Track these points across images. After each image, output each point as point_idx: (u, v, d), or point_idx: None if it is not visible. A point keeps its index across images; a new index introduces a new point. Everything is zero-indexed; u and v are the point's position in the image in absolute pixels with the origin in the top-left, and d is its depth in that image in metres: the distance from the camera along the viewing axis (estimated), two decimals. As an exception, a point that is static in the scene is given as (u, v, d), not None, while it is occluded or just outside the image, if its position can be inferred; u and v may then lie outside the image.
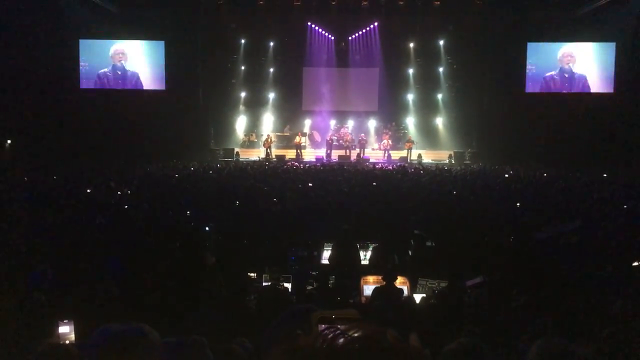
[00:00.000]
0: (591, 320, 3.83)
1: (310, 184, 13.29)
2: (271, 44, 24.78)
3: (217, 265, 6.27)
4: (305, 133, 24.69)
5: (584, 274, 5.57)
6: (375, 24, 24.36)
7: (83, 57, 24.07)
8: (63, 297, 4.05)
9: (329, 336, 1.05)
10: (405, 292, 5.67)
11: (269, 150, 22.85)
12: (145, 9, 22.36)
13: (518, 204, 10.55)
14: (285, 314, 1.61)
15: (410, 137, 23.66)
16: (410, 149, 22.82)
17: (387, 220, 8.74)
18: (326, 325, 1.16)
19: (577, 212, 9.39)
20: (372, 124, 25.07)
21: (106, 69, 24.20)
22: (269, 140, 22.99)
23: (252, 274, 6.15)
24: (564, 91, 23.64)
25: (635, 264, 5.74)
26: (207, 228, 8.16)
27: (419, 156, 22.64)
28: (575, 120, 21.92)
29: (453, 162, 22.35)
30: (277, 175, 15.54)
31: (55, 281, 4.58)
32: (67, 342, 2.75)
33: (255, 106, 24.96)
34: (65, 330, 2.80)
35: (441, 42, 24.41)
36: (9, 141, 22.65)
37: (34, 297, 3.57)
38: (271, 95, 25.02)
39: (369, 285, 5.81)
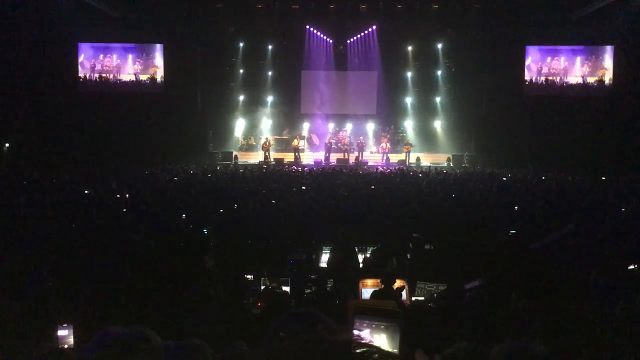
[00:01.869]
0: (589, 323, 3.84)
1: (309, 188, 13.29)
2: (270, 47, 24.83)
3: (216, 268, 6.26)
4: (304, 136, 24.74)
5: (582, 276, 5.58)
6: (374, 27, 24.43)
7: (82, 60, 24.10)
8: (62, 300, 4.05)
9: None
10: (404, 296, 5.67)
11: (267, 154, 22.86)
12: (143, 12, 22.39)
13: (516, 207, 10.56)
14: (284, 317, 1.62)
15: (408, 140, 23.70)
16: (408, 152, 22.85)
17: (386, 224, 8.74)
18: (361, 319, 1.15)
19: (575, 215, 9.40)
20: (370, 127, 25.13)
21: (104, 74, 24.22)
22: (268, 143, 23.01)
23: (249, 277, 6.14)
24: (562, 94, 23.70)
25: (631, 267, 5.75)
26: (205, 231, 8.16)
27: (418, 159, 22.67)
28: (573, 123, 21.97)
29: (451, 165, 22.39)
30: (275, 179, 15.54)
31: (54, 284, 4.57)
32: (66, 345, 2.75)
33: (253, 109, 25.00)
34: (64, 333, 2.80)
35: (439, 46, 24.50)
36: (7, 144, 22.64)
37: (33, 300, 3.56)
38: (270, 99, 25.07)
39: (368, 289, 5.80)
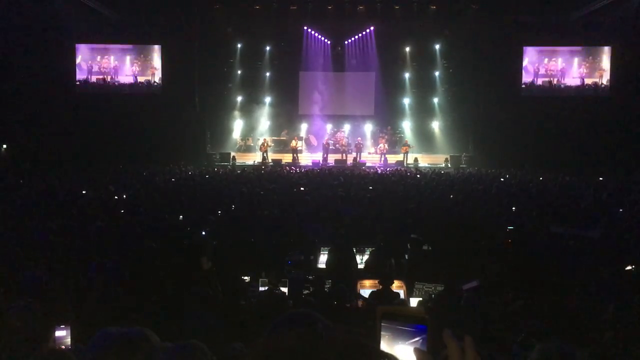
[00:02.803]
0: (585, 323, 3.85)
1: (307, 189, 13.29)
2: (267, 48, 24.84)
3: (214, 270, 6.26)
4: (302, 137, 24.73)
5: (579, 277, 5.59)
6: (372, 28, 24.44)
7: (79, 61, 24.08)
8: (59, 301, 4.04)
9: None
10: (402, 296, 5.68)
11: (265, 155, 22.85)
12: (141, 13, 22.37)
13: (514, 208, 10.57)
14: (282, 317, 1.61)
15: (406, 141, 23.70)
16: (406, 153, 22.87)
17: (384, 225, 8.75)
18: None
19: (573, 215, 9.42)
20: (368, 128, 25.13)
21: (103, 76, 24.21)
22: (266, 144, 23.00)
23: (245, 278, 6.15)
24: (560, 95, 23.76)
25: (628, 267, 5.76)
26: (203, 232, 8.16)
27: (415, 160, 22.68)
28: (571, 124, 22.00)
29: (449, 166, 22.40)
30: (273, 180, 15.54)
31: (51, 285, 4.56)
32: (63, 346, 2.75)
33: (251, 110, 24.98)
34: (62, 334, 2.79)
35: (437, 47, 24.51)
36: (4, 145, 22.61)
37: (30, 301, 3.55)
38: (267, 100, 25.05)
39: (366, 290, 5.82)
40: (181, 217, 9.39)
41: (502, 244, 7.66)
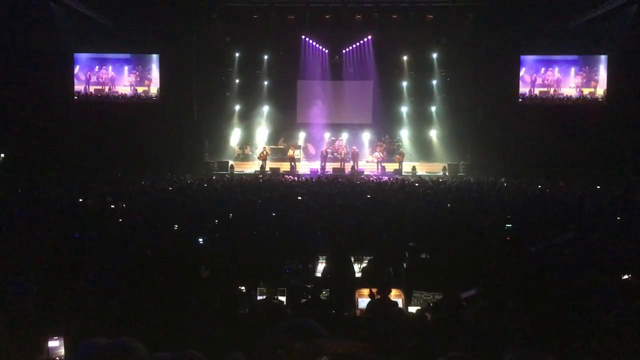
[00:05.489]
0: (584, 331, 3.83)
1: (304, 197, 13.27)
2: (265, 57, 24.93)
3: (211, 279, 6.23)
4: (300, 146, 24.76)
5: (578, 286, 5.57)
6: (369, 37, 24.56)
7: (77, 71, 24.11)
8: (53, 312, 4.01)
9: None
10: (400, 305, 5.66)
11: (263, 163, 22.86)
12: (139, 22, 22.44)
13: (509, 217, 10.55)
14: (280, 327, 1.60)
15: (401, 150, 23.74)
16: (400, 162, 22.89)
17: (382, 233, 8.73)
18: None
19: (571, 224, 9.41)
20: (366, 136, 25.18)
21: (101, 86, 24.24)
22: (264, 153, 23.03)
23: (242, 287, 6.11)
24: (557, 103, 23.84)
25: (625, 277, 5.75)
26: (201, 241, 8.13)
27: (413, 168, 22.69)
28: (568, 132, 22.07)
29: (447, 174, 22.42)
30: (271, 188, 15.51)
31: (44, 295, 4.53)
32: (57, 357, 2.72)
33: (249, 119, 25.02)
34: (55, 345, 2.77)
35: (434, 55, 24.62)
36: (1, 155, 22.56)
37: (24, 312, 3.53)
38: (265, 108, 25.10)
39: (364, 298, 5.78)
40: (177, 226, 9.34)
41: (500, 251, 7.63)
